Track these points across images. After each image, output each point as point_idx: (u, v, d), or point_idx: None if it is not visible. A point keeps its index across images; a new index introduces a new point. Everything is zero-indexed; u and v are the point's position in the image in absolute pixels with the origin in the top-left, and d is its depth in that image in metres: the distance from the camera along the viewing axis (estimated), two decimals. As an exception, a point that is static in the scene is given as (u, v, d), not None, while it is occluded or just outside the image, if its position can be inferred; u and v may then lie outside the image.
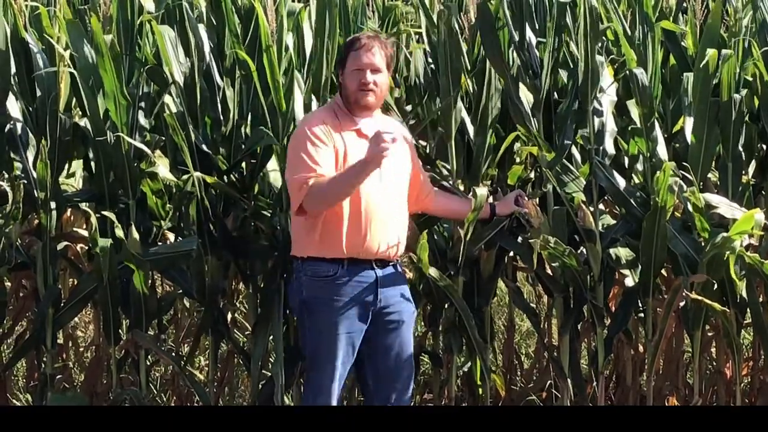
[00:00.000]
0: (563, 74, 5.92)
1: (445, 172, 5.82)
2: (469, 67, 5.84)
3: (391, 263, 5.17)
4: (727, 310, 5.66)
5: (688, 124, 5.76)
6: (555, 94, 5.84)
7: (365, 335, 5.13)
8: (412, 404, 6.49)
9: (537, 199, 5.76)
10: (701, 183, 5.69)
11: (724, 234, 5.41)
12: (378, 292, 5.11)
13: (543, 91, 5.70)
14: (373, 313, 5.12)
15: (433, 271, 5.62)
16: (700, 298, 5.54)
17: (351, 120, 5.11)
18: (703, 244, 5.56)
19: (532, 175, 6.05)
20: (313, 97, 5.66)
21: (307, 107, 5.58)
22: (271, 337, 5.78)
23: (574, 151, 5.86)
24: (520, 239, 5.83)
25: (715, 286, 5.62)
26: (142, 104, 5.82)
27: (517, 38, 5.71)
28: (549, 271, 5.93)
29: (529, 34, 5.72)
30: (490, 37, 5.73)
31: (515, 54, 5.74)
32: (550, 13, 5.71)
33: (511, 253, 6.10)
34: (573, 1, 5.71)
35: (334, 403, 5.11)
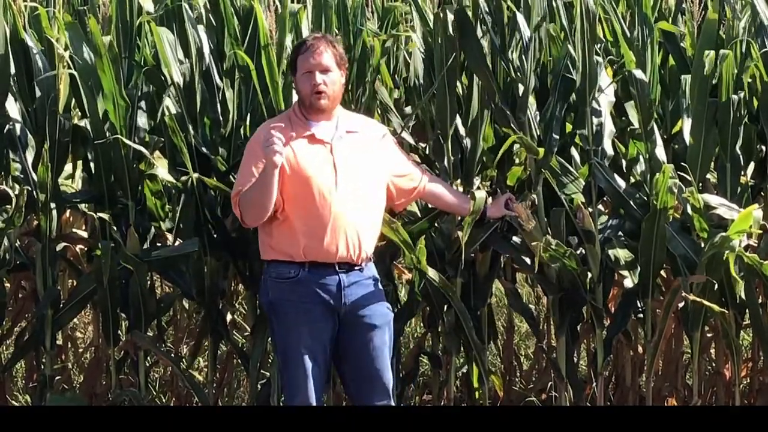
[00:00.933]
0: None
1: (443, 174, 5.81)
2: (461, 67, 5.83)
3: (357, 267, 5.09)
4: (726, 312, 5.66)
5: (686, 125, 5.76)
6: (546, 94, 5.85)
7: (338, 337, 5.11)
8: (411, 404, 6.55)
9: (532, 201, 5.74)
10: (700, 184, 5.70)
11: (723, 234, 5.41)
12: (343, 296, 5.05)
13: (529, 91, 5.70)
14: (341, 316, 5.07)
15: (432, 273, 5.63)
16: (699, 299, 5.55)
17: (304, 126, 5.06)
18: (702, 244, 5.57)
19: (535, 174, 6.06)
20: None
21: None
22: (269, 338, 5.78)
23: (573, 152, 5.88)
24: (518, 240, 5.83)
25: (715, 287, 5.63)
26: (142, 105, 5.82)
27: (498, 41, 5.71)
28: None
29: (524, 31, 5.70)
30: (470, 43, 5.72)
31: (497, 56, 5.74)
32: (530, 14, 5.71)
33: (508, 255, 6.08)
34: (570, 2, 5.71)
35: (313, 402, 5.07)
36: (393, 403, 5.23)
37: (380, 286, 5.25)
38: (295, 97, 5.54)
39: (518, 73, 5.70)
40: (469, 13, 5.70)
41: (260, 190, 4.92)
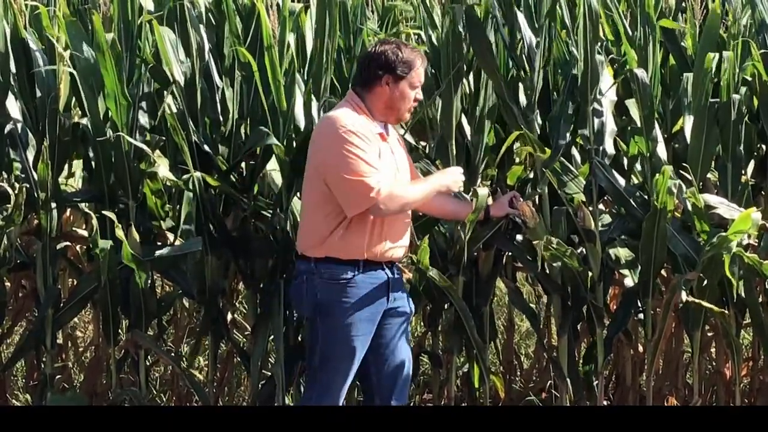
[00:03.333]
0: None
1: None
2: (465, 68, 5.84)
3: (395, 264, 5.22)
4: (726, 312, 5.67)
5: (687, 124, 5.77)
6: (555, 93, 5.86)
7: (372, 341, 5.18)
8: (411, 404, 6.55)
9: (536, 199, 5.77)
10: (701, 183, 5.71)
11: (721, 234, 5.42)
12: (389, 294, 5.14)
13: (536, 91, 5.71)
14: (383, 312, 5.15)
15: (433, 272, 5.62)
16: (697, 301, 5.56)
17: (375, 124, 5.10)
18: (702, 244, 5.57)
19: (532, 175, 6.04)
20: (312, 97, 5.65)
21: (306, 107, 5.58)
22: (271, 337, 5.79)
23: (574, 151, 5.88)
24: (520, 238, 5.83)
25: (716, 286, 5.63)
26: (143, 104, 5.82)
27: (508, 40, 5.71)
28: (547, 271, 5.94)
29: (527, 33, 5.70)
30: (479, 41, 5.72)
31: (507, 55, 5.76)
32: (538, 11, 5.72)
33: (510, 253, 6.10)
34: (572, 0, 5.73)
35: (340, 404, 5.13)
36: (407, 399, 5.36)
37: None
38: (298, 97, 5.56)
39: (526, 72, 5.71)
40: (479, 11, 5.71)
41: (429, 195, 5.18)
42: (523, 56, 5.70)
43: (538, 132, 5.72)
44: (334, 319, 5.08)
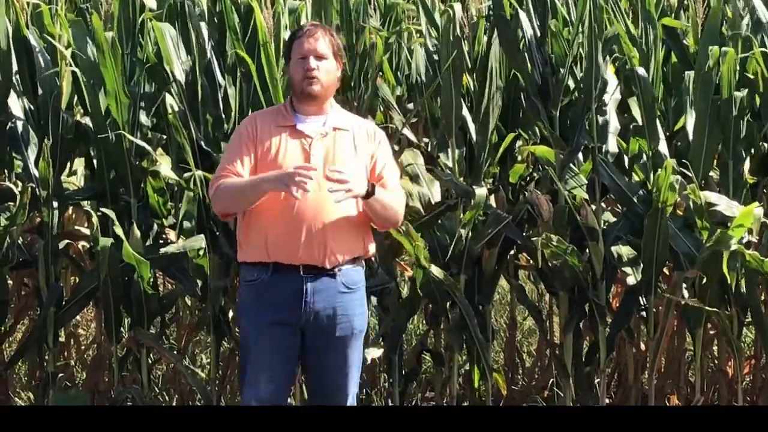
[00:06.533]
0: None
1: (447, 171, 5.84)
2: (470, 66, 5.86)
3: (326, 273, 4.76)
4: (726, 311, 5.69)
5: (689, 122, 5.80)
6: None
7: (302, 346, 4.82)
8: (414, 402, 6.53)
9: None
10: (702, 181, 5.73)
11: (721, 230, 5.43)
12: (305, 304, 4.74)
13: (562, 86, 5.73)
14: (304, 326, 4.77)
15: (435, 270, 5.63)
16: (694, 302, 5.59)
17: (288, 117, 4.83)
18: (704, 241, 5.58)
19: (534, 174, 6.10)
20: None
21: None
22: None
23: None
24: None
25: (716, 285, 5.65)
26: (143, 103, 5.83)
27: (538, 33, 5.75)
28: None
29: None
30: (507, 34, 5.74)
31: (533, 51, 5.78)
32: (568, 6, 5.79)
33: (512, 252, 6.14)
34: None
35: (268, 403, 4.83)
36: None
37: (359, 293, 4.88)
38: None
39: (554, 67, 5.74)
40: (507, 7, 5.74)
41: (248, 196, 4.72)
42: (552, 56, 5.75)
43: (556, 130, 5.75)
44: (244, 320, 4.99)
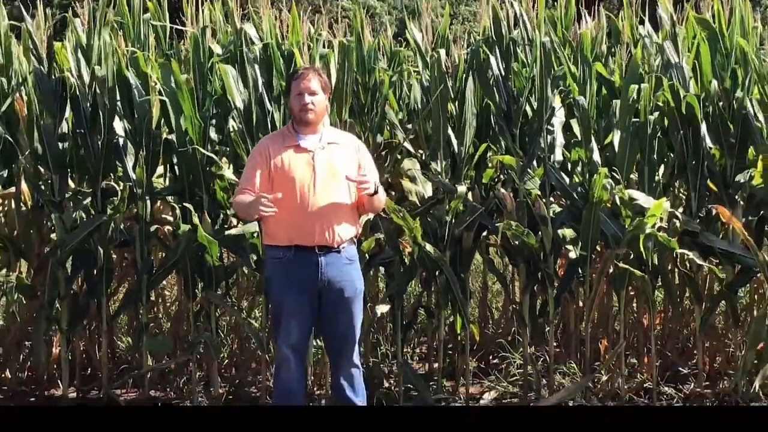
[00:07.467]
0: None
1: (436, 174, 5.82)
2: (452, 96, 5.85)
3: (334, 250, 4.76)
4: (643, 277, 5.67)
5: (616, 138, 5.79)
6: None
7: (319, 305, 4.81)
8: (411, 345, 6.49)
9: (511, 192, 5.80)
10: (626, 181, 5.73)
11: (640, 218, 5.45)
12: (320, 273, 4.74)
13: (520, 113, 5.71)
14: (319, 289, 4.76)
15: (428, 247, 5.64)
16: (624, 266, 5.59)
17: (293, 137, 4.82)
18: (626, 226, 5.59)
19: (501, 176, 6.07)
20: (336, 118, 5.65)
21: (333, 125, 5.54)
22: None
23: (531, 157, 5.90)
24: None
25: (635, 259, 5.64)
26: (212, 123, 5.83)
27: (503, 72, 5.73)
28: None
29: (494, 70, 5.73)
30: (480, 73, 5.76)
31: (499, 85, 5.79)
32: (525, 52, 5.74)
33: (485, 234, 6.10)
34: (530, 43, 5.71)
35: (291, 357, 4.81)
36: (358, 353, 4.94)
37: (356, 263, 4.87)
38: (326, 118, 5.53)
39: (516, 99, 5.73)
40: (481, 53, 5.75)
41: (248, 214, 4.80)
42: (513, 90, 5.76)
43: (517, 144, 5.75)
44: (273, 290, 4.88)
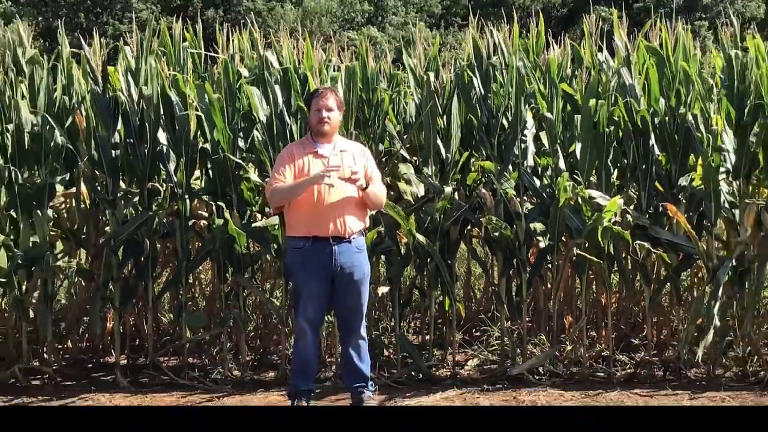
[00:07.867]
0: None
1: (428, 177, 5.88)
2: (441, 112, 5.90)
3: (346, 240, 4.85)
4: (601, 263, 5.74)
5: (578, 147, 5.87)
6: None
7: (332, 288, 4.90)
8: (409, 320, 6.49)
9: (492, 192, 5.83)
10: (586, 183, 5.81)
11: (598, 214, 5.53)
12: (333, 260, 4.83)
13: (498, 126, 5.78)
14: (333, 273, 4.86)
15: (421, 238, 5.71)
16: (584, 254, 5.66)
17: (311, 146, 4.96)
18: (587, 221, 5.67)
19: (482, 179, 6.12)
20: (344, 130, 5.69)
21: (342, 135, 5.46)
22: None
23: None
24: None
25: (594, 248, 5.69)
26: (240, 135, 5.89)
27: (483, 92, 5.78)
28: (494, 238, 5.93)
29: (478, 88, 5.76)
30: (464, 92, 5.80)
31: (481, 103, 5.83)
32: (503, 75, 5.77)
33: (469, 227, 6.13)
34: (507, 67, 5.76)
35: (308, 330, 4.89)
36: (364, 327, 5.02)
37: (365, 252, 4.96)
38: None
39: (494, 114, 5.77)
40: (465, 76, 5.79)
41: (294, 192, 4.79)
42: (492, 106, 5.79)
43: (495, 152, 5.79)
44: (293, 276, 4.93)
